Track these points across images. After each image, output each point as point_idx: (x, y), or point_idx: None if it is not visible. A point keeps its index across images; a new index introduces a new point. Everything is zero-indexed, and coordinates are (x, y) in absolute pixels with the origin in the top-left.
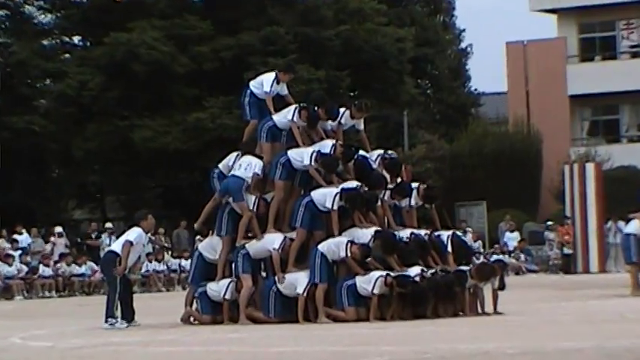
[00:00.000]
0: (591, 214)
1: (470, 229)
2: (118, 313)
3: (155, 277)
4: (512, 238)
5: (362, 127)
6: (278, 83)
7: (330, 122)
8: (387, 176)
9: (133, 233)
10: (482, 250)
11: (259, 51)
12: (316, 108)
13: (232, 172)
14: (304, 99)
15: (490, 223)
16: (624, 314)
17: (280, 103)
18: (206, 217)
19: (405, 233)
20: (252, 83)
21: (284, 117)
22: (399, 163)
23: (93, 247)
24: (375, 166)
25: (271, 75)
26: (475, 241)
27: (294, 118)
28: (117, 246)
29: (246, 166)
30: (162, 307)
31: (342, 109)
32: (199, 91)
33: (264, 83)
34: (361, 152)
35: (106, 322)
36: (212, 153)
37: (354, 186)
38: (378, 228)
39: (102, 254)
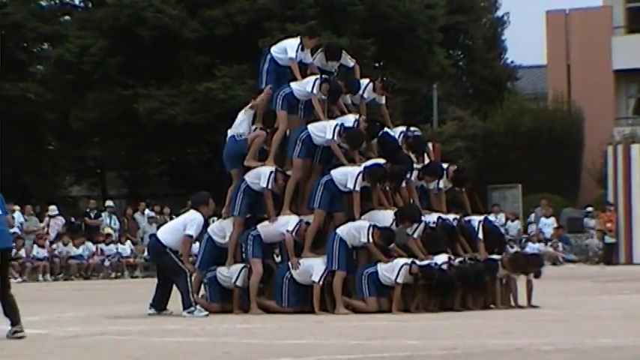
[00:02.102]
0: (636, 201)
1: (500, 211)
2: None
3: None
4: (547, 225)
5: (383, 101)
6: (303, 50)
7: (349, 96)
8: (412, 156)
9: (194, 224)
10: (520, 229)
11: (276, 16)
12: (339, 82)
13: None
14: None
15: (525, 207)
16: None
17: (303, 72)
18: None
19: (432, 218)
20: (273, 49)
21: (303, 87)
22: (424, 142)
23: (92, 226)
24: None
25: (296, 40)
26: (511, 222)
27: (314, 90)
28: (166, 234)
29: (240, 122)
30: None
31: (364, 81)
32: (210, 59)
33: (287, 49)
34: (386, 129)
35: (186, 309)
36: (223, 127)
37: (380, 164)
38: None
39: (102, 236)
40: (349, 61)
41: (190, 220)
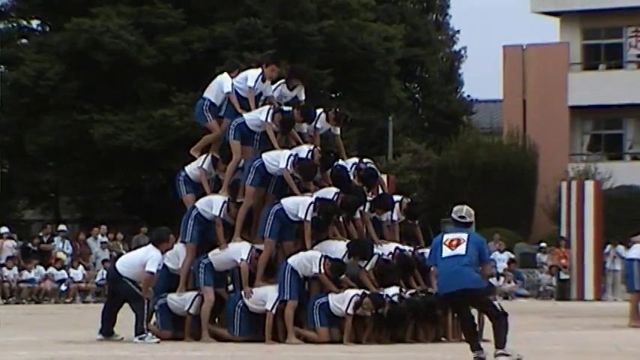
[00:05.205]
0: (588, 237)
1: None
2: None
3: None
4: (501, 259)
5: (338, 132)
6: (264, 81)
7: (305, 125)
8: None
9: (154, 261)
10: None
11: (234, 44)
12: (292, 110)
13: None
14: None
15: None
16: (620, 347)
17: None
18: (204, 145)
19: (389, 248)
20: (235, 79)
21: (256, 117)
22: (376, 174)
23: (44, 251)
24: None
25: (257, 71)
26: None
27: (268, 119)
28: (124, 266)
29: (214, 86)
30: (118, 320)
31: (317, 111)
32: (167, 86)
33: (248, 78)
34: (340, 162)
35: (137, 336)
36: (178, 154)
37: (332, 195)
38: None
39: (54, 260)
40: (302, 94)
41: (149, 257)
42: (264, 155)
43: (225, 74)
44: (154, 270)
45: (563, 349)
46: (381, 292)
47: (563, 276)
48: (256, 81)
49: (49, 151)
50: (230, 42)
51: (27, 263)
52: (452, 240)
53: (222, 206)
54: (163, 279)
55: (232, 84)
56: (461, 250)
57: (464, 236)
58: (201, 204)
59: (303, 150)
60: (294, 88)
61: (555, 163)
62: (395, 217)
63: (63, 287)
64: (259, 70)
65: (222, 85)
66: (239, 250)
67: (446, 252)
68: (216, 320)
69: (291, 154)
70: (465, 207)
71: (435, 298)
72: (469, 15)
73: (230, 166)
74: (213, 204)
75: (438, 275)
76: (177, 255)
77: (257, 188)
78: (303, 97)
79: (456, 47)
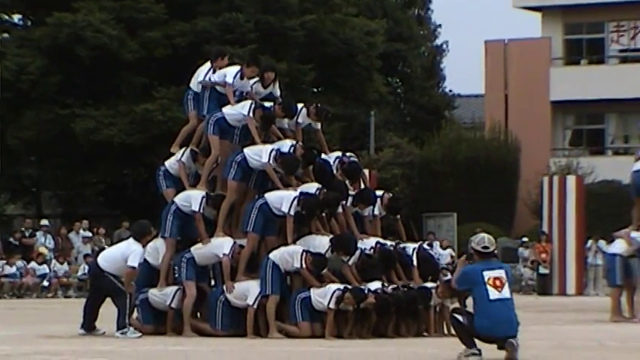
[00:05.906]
0: (570, 232)
1: (433, 237)
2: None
3: None
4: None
5: (319, 126)
6: (242, 78)
7: (286, 120)
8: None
9: (136, 256)
10: (451, 258)
11: (216, 38)
12: (273, 106)
13: None
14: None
15: (460, 236)
16: (602, 341)
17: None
18: (182, 139)
19: (370, 243)
20: (214, 75)
21: (237, 111)
22: (359, 168)
23: (26, 245)
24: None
25: (236, 67)
26: (445, 249)
27: (250, 114)
28: (105, 262)
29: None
30: (100, 314)
31: (299, 105)
32: (149, 80)
33: (227, 74)
34: (322, 156)
35: (119, 330)
36: (160, 148)
37: (315, 190)
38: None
39: (36, 255)
40: (277, 90)
41: (131, 251)
42: (245, 150)
43: (207, 64)
44: (136, 264)
45: (545, 343)
46: (363, 287)
47: (542, 270)
48: (234, 77)
49: (31, 145)
50: (212, 36)
51: (9, 258)
52: (495, 279)
53: (201, 201)
54: (144, 273)
55: (206, 73)
56: (506, 293)
57: (503, 274)
58: (179, 199)
59: (286, 144)
60: (267, 85)
61: (537, 158)
62: (377, 212)
63: (45, 282)
64: (238, 67)
65: (198, 75)
66: (222, 244)
67: (494, 294)
68: (198, 315)
69: (273, 149)
70: (486, 236)
71: (416, 292)
72: (451, 9)
73: (208, 161)
74: (191, 199)
75: (471, 307)
76: (158, 250)
77: (239, 183)
78: (277, 92)
79: (438, 42)
